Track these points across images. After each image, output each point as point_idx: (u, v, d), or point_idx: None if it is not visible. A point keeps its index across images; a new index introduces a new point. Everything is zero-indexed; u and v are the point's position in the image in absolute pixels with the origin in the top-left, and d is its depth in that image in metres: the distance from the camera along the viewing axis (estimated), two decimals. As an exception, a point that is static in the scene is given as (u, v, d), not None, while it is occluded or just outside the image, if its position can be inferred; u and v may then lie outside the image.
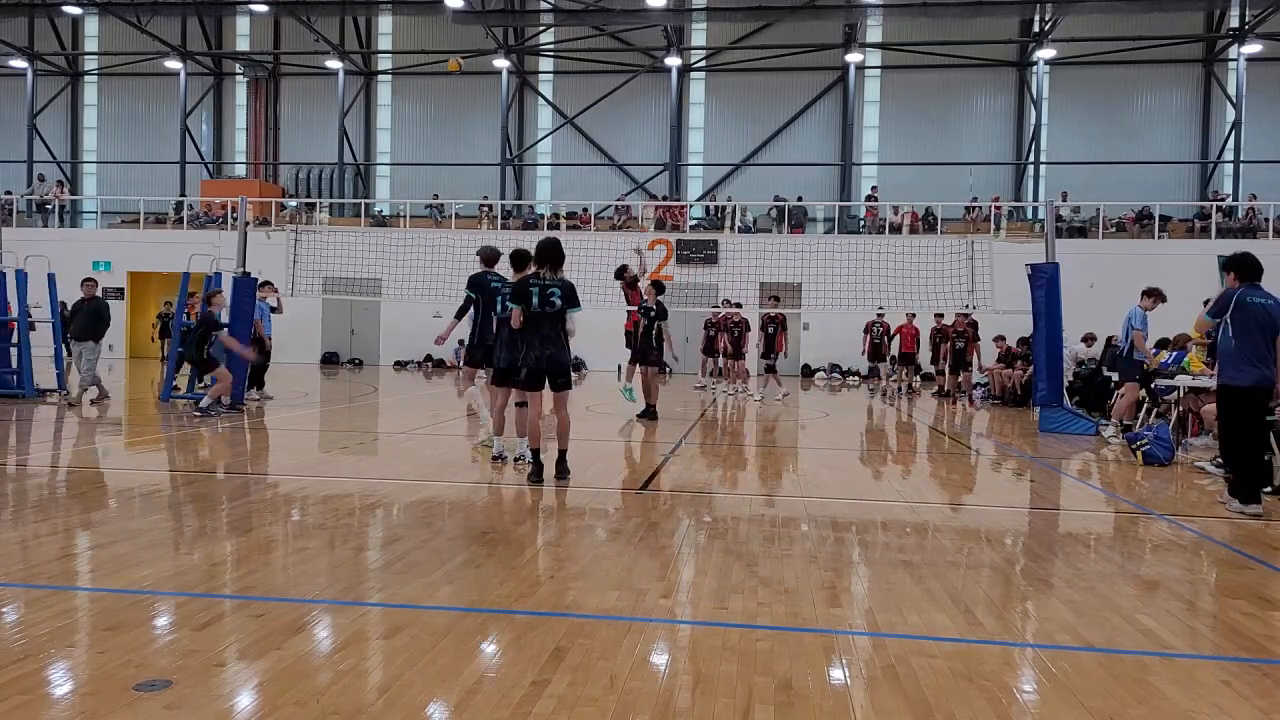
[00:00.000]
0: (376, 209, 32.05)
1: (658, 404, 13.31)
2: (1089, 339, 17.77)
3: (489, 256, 9.14)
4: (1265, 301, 7.13)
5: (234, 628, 3.96)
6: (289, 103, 34.49)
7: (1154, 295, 11.91)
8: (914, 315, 20.47)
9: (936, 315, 19.50)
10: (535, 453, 7.78)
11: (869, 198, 29.49)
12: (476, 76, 32.49)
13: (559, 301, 7.52)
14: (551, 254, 7.59)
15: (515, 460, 8.58)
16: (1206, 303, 8.01)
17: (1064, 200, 26.19)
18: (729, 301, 19.72)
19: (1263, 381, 7.03)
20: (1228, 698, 3.51)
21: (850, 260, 17.58)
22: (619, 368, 19.97)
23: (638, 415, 12.96)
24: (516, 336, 7.87)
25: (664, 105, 31.66)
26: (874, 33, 31.24)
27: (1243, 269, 7.30)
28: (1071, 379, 16.28)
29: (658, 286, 13.67)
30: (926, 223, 27.73)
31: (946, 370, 19.82)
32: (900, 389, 21.11)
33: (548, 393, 7.77)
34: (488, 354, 8.92)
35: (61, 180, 33.44)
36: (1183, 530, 6.53)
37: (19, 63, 33.27)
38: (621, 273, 14.20)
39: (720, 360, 20.05)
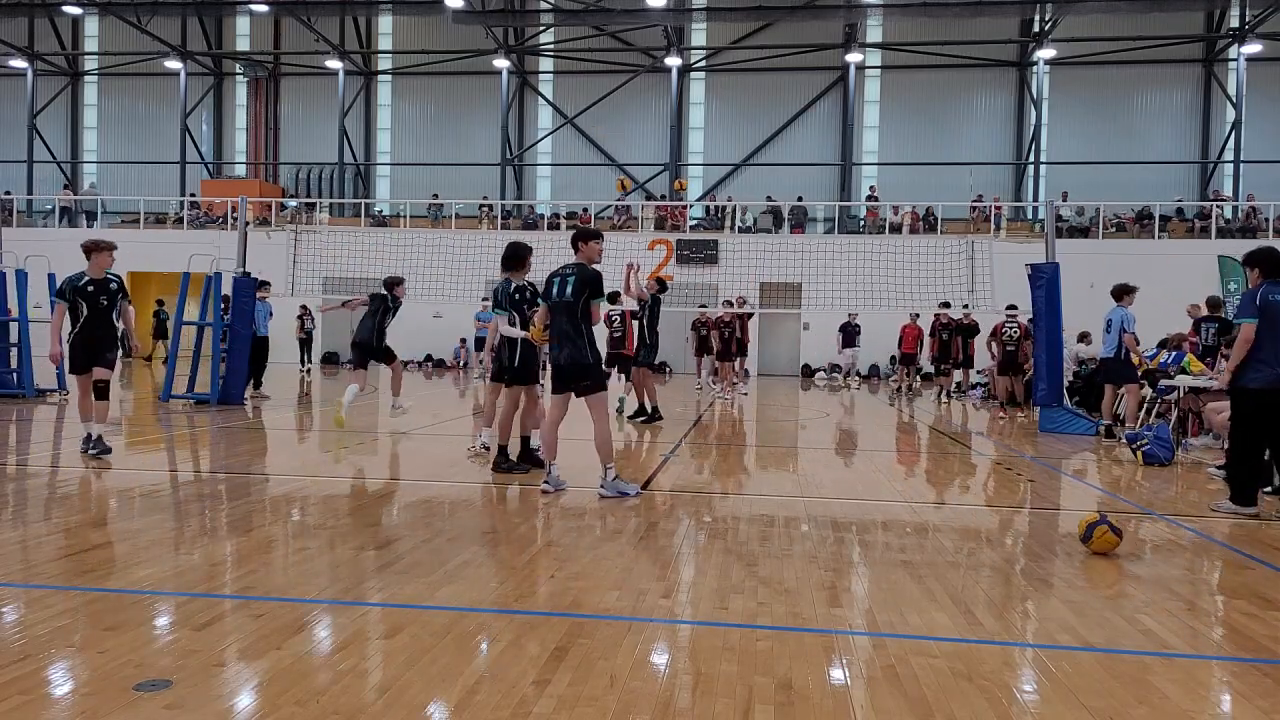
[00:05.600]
0: (376, 209, 32.05)
1: (657, 404, 13.23)
2: (1084, 337, 17.69)
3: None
4: None
5: (234, 628, 3.96)
6: (289, 103, 34.51)
7: (1129, 291, 11.85)
8: (918, 315, 20.41)
9: (943, 305, 19.39)
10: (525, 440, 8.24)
11: (869, 198, 29.50)
12: (476, 76, 32.51)
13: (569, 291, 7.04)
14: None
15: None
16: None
17: (1064, 200, 26.19)
18: (729, 302, 19.68)
19: (1276, 381, 6.77)
20: (1228, 698, 3.51)
21: (850, 260, 17.59)
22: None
23: (642, 420, 12.74)
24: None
25: (664, 105, 31.66)
26: (874, 33, 31.25)
27: (1269, 264, 6.97)
28: (1071, 379, 16.27)
29: (660, 284, 13.38)
30: (927, 223, 27.73)
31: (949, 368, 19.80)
32: (901, 389, 21.12)
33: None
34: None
35: (67, 184, 33.59)
36: (1183, 530, 6.52)
37: (19, 63, 33.28)
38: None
39: (714, 361, 20.08)
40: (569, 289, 6.98)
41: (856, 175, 30.95)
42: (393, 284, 11.56)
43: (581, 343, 6.98)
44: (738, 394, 18.40)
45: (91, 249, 8.64)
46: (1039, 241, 15.87)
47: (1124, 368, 11.93)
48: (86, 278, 8.61)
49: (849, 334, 23.05)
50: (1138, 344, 12.07)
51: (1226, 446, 7.68)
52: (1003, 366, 16.77)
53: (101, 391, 8.58)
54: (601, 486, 7.12)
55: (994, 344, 17.12)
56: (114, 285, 8.67)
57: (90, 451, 8.43)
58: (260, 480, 7.85)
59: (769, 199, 29.04)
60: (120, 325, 8.81)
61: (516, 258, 8.30)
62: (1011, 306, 15.99)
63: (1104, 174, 29.09)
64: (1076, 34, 28.86)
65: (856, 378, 24.44)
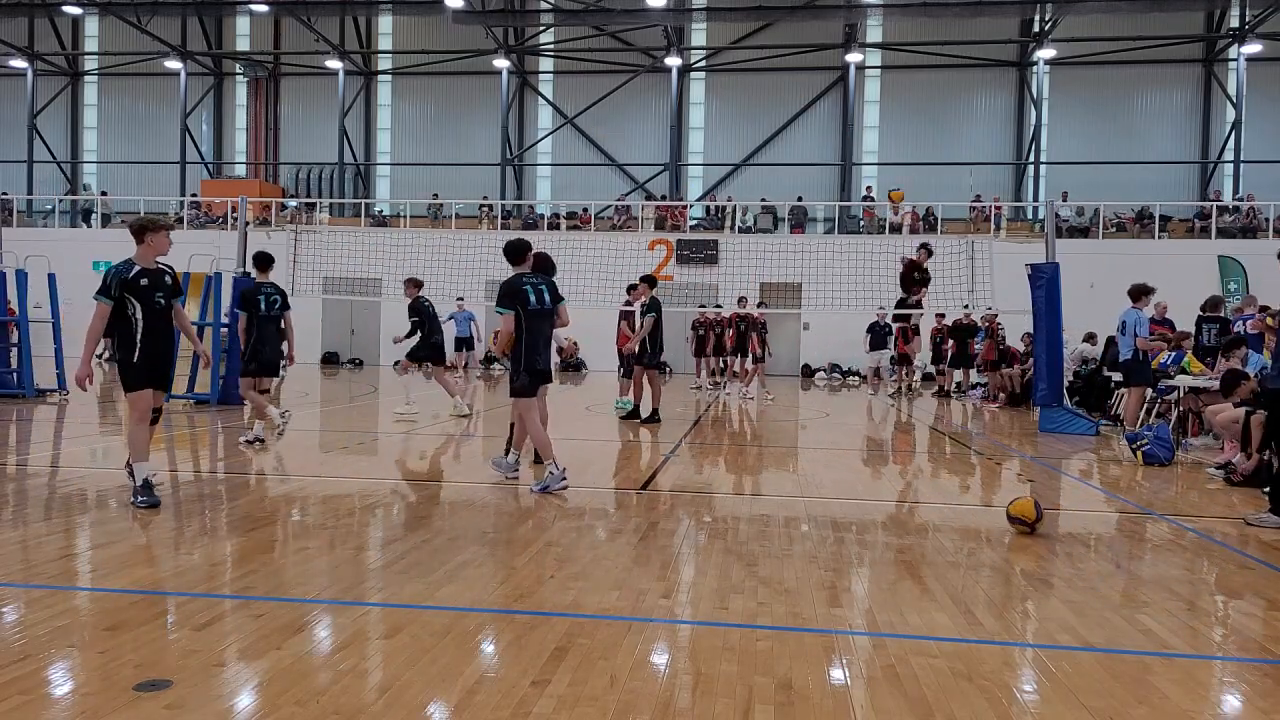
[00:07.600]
0: (376, 209, 32.05)
1: (659, 406, 13.17)
2: (1091, 338, 17.74)
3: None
4: None
5: (234, 628, 3.96)
6: (289, 103, 34.49)
7: (1148, 293, 11.76)
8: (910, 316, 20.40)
9: (938, 315, 19.49)
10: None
11: (865, 198, 29.48)
12: (476, 76, 32.51)
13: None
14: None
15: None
16: None
17: (1064, 200, 26.19)
18: (745, 299, 19.55)
19: None
20: (1228, 698, 3.51)
21: (850, 260, 17.58)
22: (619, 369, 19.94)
23: (642, 420, 12.69)
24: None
25: (664, 105, 31.65)
26: (874, 33, 31.24)
27: None
28: (1072, 379, 16.28)
29: (649, 282, 13.21)
30: (927, 223, 27.73)
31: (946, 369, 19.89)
32: (901, 389, 21.09)
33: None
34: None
35: (80, 193, 33.63)
36: (1183, 530, 6.52)
37: (19, 63, 33.26)
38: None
39: (716, 360, 20.01)
40: (547, 298, 7.36)
41: (856, 175, 30.93)
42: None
43: (551, 346, 7.55)
44: (745, 396, 18.18)
45: (146, 227, 6.51)
46: (1039, 241, 15.86)
47: (1141, 369, 11.72)
48: (137, 268, 6.43)
49: (878, 334, 21.39)
50: (1159, 343, 12.00)
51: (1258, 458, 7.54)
52: (996, 362, 18.41)
53: (155, 417, 6.81)
54: (496, 462, 7.91)
55: (989, 341, 17.80)
56: (169, 279, 6.59)
57: (139, 502, 6.39)
58: (260, 480, 7.85)
59: (763, 200, 29.05)
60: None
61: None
62: (989, 308, 17.09)
63: (1104, 174, 29.08)
64: (1076, 34, 28.85)
65: (857, 378, 24.42)
